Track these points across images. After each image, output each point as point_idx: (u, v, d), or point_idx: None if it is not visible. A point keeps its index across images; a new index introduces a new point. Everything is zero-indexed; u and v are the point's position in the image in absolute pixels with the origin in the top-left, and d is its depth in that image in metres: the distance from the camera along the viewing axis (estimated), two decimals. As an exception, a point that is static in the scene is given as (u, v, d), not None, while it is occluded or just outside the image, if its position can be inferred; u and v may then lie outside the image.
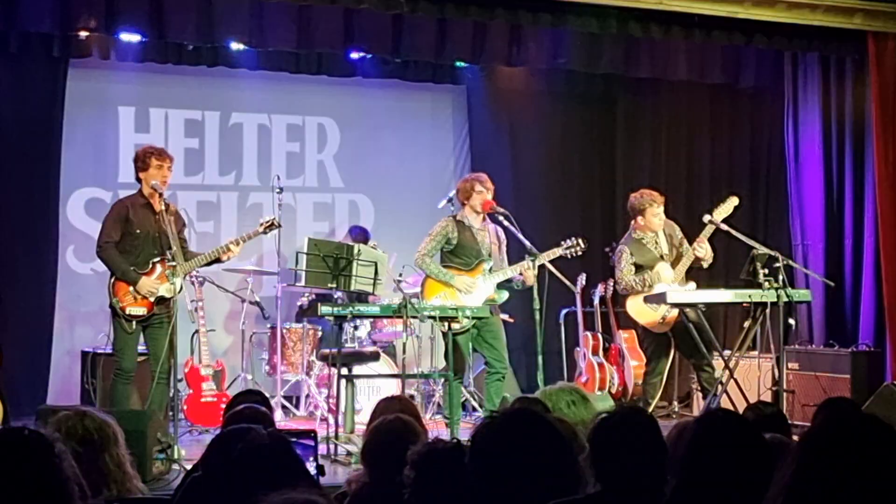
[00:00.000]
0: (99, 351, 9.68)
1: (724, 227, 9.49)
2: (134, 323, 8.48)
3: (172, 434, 7.95)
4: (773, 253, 9.22)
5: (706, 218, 9.53)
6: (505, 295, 9.30)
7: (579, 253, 9.39)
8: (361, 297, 9.64)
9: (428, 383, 10.44)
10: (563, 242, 9.34)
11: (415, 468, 3.86)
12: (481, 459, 3.23)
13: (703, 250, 9.56)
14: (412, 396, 9.04)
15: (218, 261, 8.83)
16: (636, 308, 9.75)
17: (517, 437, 3.19)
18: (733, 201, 9.65)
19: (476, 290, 9.12)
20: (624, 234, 10.06)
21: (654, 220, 9.74)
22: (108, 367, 9.00)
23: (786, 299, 8.98)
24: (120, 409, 7.99)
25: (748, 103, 11.83)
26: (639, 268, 9.70)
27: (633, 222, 9.84)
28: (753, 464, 3.37)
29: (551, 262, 9.17)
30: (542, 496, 3.12)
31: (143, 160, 8.58)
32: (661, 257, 9.73)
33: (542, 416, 3.31)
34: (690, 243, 9.68)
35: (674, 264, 9.69)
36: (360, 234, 11.13)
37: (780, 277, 9.03)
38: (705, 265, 9.70)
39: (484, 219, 9.30)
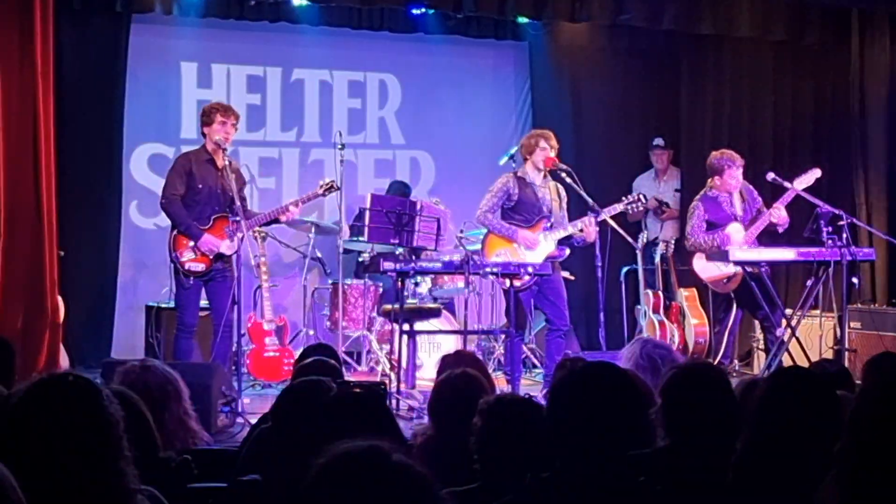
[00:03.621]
0: (163, 305, 9.78)
1: (805, 195, 9.43)
2: (192, 278, 8.57)
3: (236, 388, 8.02)
4: (836, 211, 9.16)
5: (788, 184, 9.45)
6: (566, 251, 9.28)
7: (640, 209, 9.36)
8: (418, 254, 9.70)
9: (488, 340, 10.45)
10: (624, 198, 9.30)
11: (483, 417, 3.88)
12: (560, 410, 3.23)
13: (779, 215, 9.48)
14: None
15: (276, 221, 8.92)
16: (701, 265, 9.70)
17: (596, 389, 3.18)
18: (815, 173, 9.58)
19: (538, 247, 9.10)
20: (693, 192, 10.00)
21: (731, 181, 9.63)
22: (172, 321, 9.10)
23: (849, 258, 8.91)
24: (185, 363, 8.08)
25: (812, 60, 11.67)
26: (710, 226, 9.64)
27: (710, 181, 9.75)
28: (825, 419, 3.36)
29: (613, 218, 9.13)
30: (615, 448, 3.13)
31: (207, 114, 8.66)
32: (735, 218, 9.66)
33: (621, 371, 3.30)
34: (767, 207, 9.62)
35: (748, 227, 9.62)
36: (400, 189, 11.14)
37: (844, 236, 8.96)
38: (780, 230, 9.61)
39: (545, 175, 9.26)
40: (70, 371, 3.01)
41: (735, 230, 9.61)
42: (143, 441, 3.95)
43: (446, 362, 5.56)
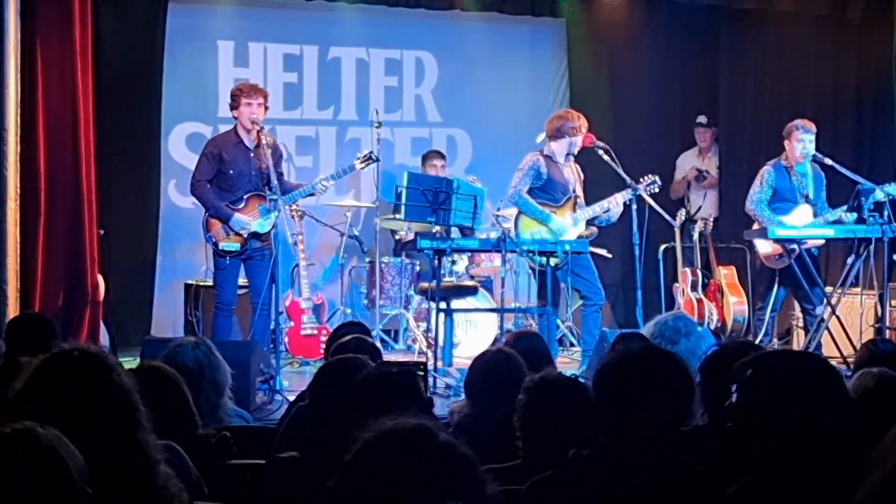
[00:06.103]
0: (201, 283, 9.83)
1: (846, 171, 9.30)
2: (228, 258, 8.62)
3: (274, 365, 8.06)
4: (878, 187, 9.07)
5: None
6: (595, 232, 9.25)
7: (656, 190, 9.24)
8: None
9: (525, 318, 10.43)
10: (642, 179, 9.18)
11: (528, 394, 3.88)
12: (609, 390, 3.23)
13: (850, 216, 9.33)
14: (508, 331, 9.05)
15: (311, 195, 8.95)
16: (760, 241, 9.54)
17: (647, 370, 3.18)
18: None
19: (568, 232, 9.08)
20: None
21: (796, 146, 9.40)
22: (211, 298, 9.15)
23: (891, 235, 8.82)
24: (223, 341, 8.12)
25: (854, 35, 11.56)
26: (776, 195, 9.50)
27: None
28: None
29: (651, 196, 9.07)
30: (660, 429, 3.13)
31: (233, 97, 8.72)
32: (806, 198, 9.49)
33: (674, 357, 3.28)
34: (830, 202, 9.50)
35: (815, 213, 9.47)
36: (437, 156, 11.14)
37: (885, 213, 8.88)
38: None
39: (568, 154, 9.24)
40: (77, 346, 3.00)
41: (801, 214, 9.44)
42: (180, 414, 3.99)
43: (508, 341, 5.57)
